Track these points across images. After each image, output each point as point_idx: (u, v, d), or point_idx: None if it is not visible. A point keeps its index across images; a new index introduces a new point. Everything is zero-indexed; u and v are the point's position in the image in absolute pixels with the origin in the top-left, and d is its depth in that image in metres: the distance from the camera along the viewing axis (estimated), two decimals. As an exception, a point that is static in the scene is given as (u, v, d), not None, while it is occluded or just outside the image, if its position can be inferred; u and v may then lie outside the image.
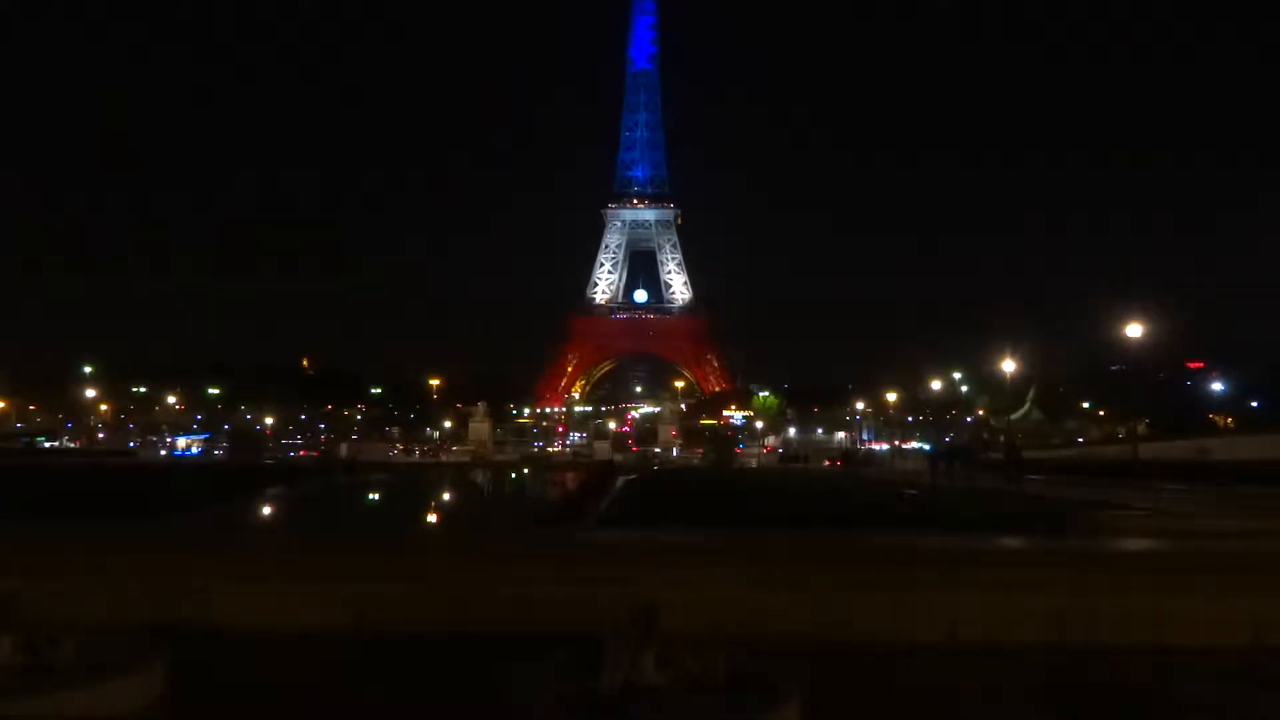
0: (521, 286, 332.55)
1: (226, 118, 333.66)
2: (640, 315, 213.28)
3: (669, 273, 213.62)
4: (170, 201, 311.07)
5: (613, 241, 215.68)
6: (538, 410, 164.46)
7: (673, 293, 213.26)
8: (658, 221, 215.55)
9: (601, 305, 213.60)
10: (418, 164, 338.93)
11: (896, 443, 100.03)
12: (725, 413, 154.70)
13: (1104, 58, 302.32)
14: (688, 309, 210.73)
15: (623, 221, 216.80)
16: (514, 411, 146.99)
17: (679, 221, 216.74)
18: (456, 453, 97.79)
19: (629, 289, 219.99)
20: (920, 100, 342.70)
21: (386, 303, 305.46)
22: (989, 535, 12.59)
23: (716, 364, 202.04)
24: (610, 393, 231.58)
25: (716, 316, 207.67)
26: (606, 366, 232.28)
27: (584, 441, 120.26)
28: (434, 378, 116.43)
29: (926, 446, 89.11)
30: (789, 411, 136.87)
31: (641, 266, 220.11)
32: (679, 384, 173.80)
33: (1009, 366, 59.71)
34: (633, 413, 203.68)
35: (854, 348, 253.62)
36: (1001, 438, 70.43)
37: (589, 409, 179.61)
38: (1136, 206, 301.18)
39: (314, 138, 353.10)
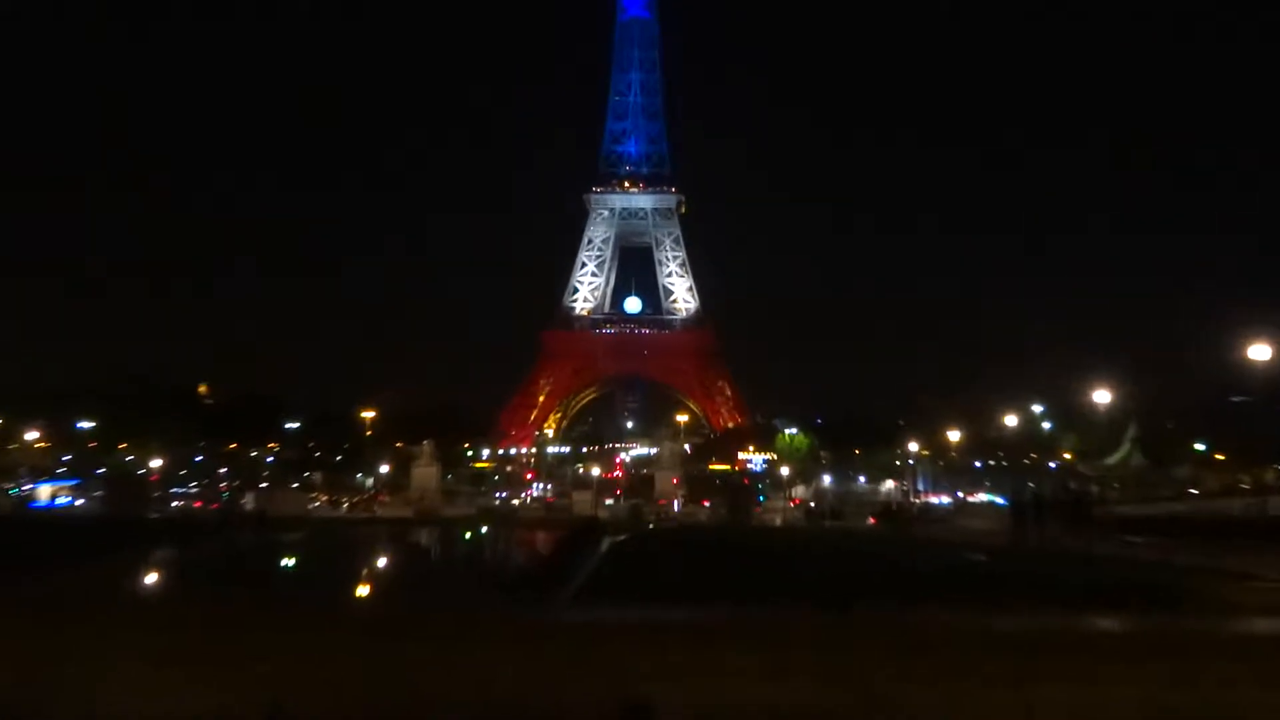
0: (482, 294, 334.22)
1: (149, 112, 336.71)
2: (633, 330, 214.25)
3: (669, 276, 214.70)
4: (105, 202, 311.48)
5: (598, 235, 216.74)
6: (500, 451, 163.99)
7: (674, 301, 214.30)
8: (655, 210, 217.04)
9: (583, 317, 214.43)
10: (355, 150, 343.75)
11: (961, 494, 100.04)
12: (741, 455, 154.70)
13: (1232, 36, 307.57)
14: (693, 322, 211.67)
15: (610, 210, 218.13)
16: (469, 453, 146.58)
17: (682, 210, 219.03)
18: (395, 505, 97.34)
19: (618, 296, 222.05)
20: (990, 73, 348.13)
21: (315, 317, 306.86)
22: (1077, 612, 12.57)
23: (729, 393, 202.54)
24: (594, 429, 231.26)
25: (729, 332, 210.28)
26: (589, 395, 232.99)
27: (560, 492, 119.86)
28: (366, 409, 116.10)
29: (999, 499, 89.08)
30: (823, 454, 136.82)
31: (634, 268, 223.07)
32: (681, 418, 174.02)
33: (1102, 398, 60.01)
34: (622, 455, 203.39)
35: (904, 373, 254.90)
36: (1071, 484, 70.62)
37: (566, 450, 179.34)
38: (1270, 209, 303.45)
39: (243, 126, 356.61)
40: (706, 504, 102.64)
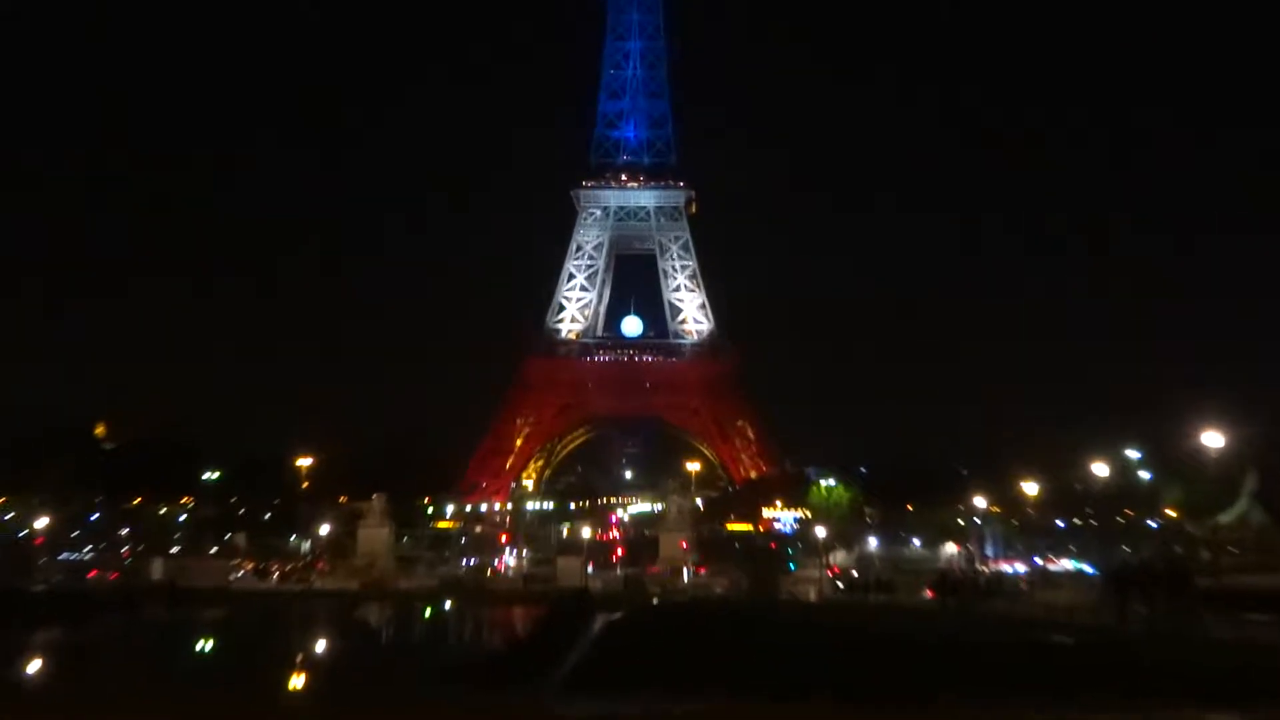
0: (447, 314, 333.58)
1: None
2: (632, 357, 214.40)
3: (677, 290, 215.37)
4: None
5: (588, 240, 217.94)
6: (468, 508, 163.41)
7: (683, 321, 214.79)
8: (659, 209, 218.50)
9: (570, 341, 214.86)
10: (301, 139, 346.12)
11: (1040, 561, 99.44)
12: (767, 513, 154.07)
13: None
14: (707, 347, 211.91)
15: (604, 209, 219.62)
16: (430, 510, 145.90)
17: (692, 210, 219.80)
18: (338, 576, 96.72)
19: (614, 315, 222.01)
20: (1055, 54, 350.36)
21: (241, 342, 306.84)
22: (1184, 708, 12.43)
23: (752, 435, 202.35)
24: (584, 480, 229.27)
25: (752, 360, 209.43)
26: (578, 438, 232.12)
27: (542, 559, 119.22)
28: (302, 455, 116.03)
29: (1087, 567, 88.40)
30: (868, 511, 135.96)
31: (634, 280, 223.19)
32: (693, 467, 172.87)
33: (1214, 442, 59.69)
34: (620, 512, 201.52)
35: (967, 411, 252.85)
36: (1176, 548, 70.07)
37: (549, 506, 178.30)
38: None
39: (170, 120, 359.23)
40: (726, 575, 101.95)
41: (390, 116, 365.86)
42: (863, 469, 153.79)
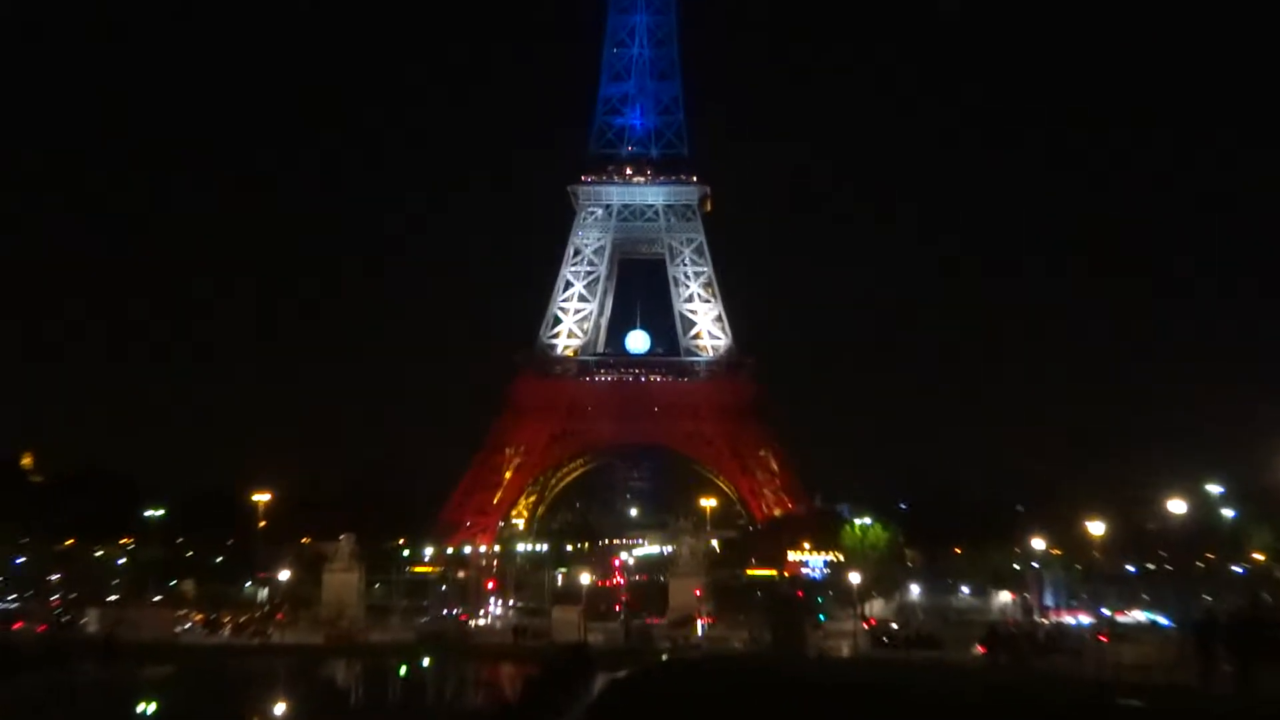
0: (427, 329, 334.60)
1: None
2: (638, 376, 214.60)
3: (689, 300, 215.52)
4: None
5: (588, 243, 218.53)
6: (450, 550, 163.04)
7: (696, 337, 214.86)
8: (669, 208, 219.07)
9: (567, 359, 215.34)
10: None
11: (1108, 612, 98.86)
12: (793, 556, 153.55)
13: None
14: (724, 366, 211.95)
15: (606, 208, 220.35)
16: (406, 553, 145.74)
17: (708, 209, 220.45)
18: (301, 628, 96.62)
19: (617, 330, 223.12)
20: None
21: (206, 360, 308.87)
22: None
23: (776, 467, 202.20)
24: (582, 518, 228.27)
25: (777, 380, 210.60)
26: (575, 470, 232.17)
27: (534, 608, 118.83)
28: (259, 491, 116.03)
29: (1162, 619, 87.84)
30: (908, 554, 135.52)
31: (640, 289, 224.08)
32: (708, 503, 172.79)
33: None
34: (623, 555, 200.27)
35: (1022, 438, 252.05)
36: (1264, 595, 69.56)
37: (543, 548, 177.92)
38: None
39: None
40: (718, 621, 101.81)
41: (369, 116, 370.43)
42: (902, 505, 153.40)
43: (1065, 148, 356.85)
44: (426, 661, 63.26)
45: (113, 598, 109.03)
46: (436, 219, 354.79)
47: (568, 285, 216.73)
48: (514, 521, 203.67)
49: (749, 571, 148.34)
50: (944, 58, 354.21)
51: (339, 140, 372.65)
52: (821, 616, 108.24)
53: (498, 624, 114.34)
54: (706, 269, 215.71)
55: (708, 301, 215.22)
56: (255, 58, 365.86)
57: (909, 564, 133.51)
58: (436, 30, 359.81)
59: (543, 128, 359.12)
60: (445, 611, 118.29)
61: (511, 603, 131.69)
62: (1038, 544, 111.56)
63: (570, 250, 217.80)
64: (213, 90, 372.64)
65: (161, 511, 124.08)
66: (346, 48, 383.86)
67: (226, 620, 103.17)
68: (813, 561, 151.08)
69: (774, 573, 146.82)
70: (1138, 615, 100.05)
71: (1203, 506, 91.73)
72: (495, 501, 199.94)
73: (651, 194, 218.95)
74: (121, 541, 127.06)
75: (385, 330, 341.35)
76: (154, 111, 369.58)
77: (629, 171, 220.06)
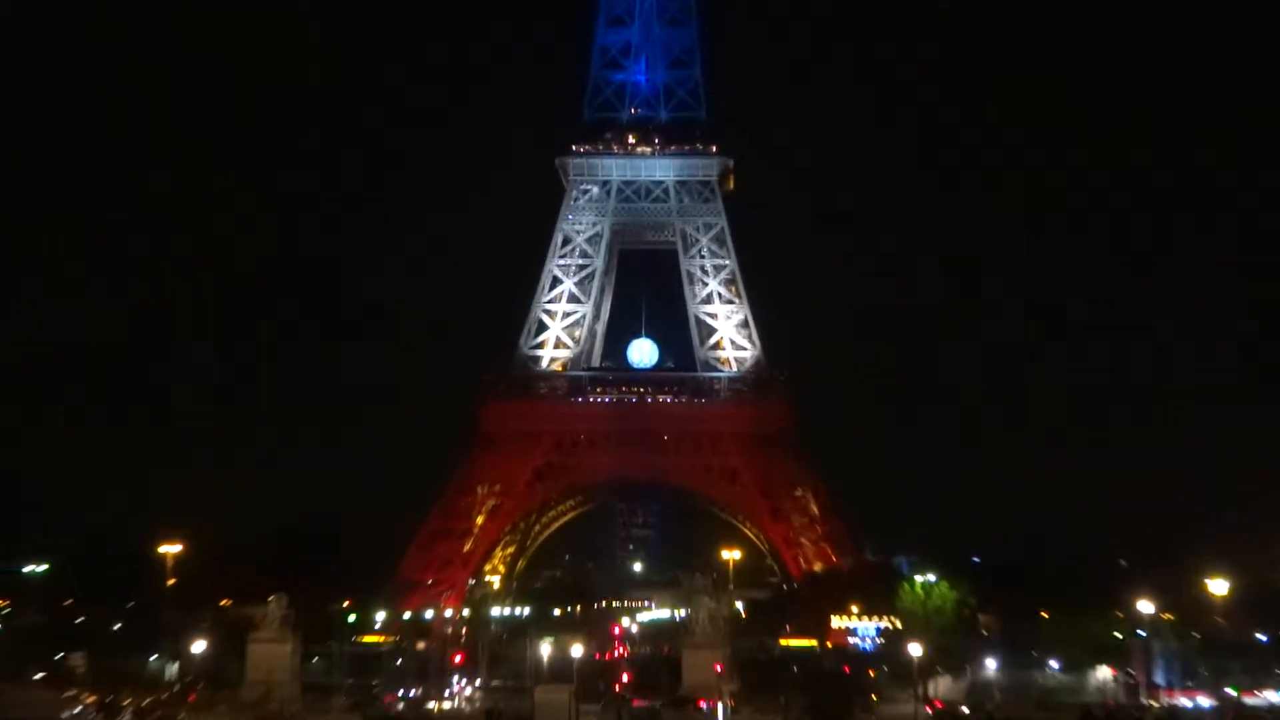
0: (377, 335, 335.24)
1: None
2: (644, 397, 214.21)
3: (708, 301, 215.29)
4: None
5: (580, 230, 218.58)
6: (406, 615, 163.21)
7: (716, 346, 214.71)
8: (683, 185, 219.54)
9: (553, 375, 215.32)
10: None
11: (1234, 691, 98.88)
12: (837, 622, 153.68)
13: None
14: (752, 384, 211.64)
15: (603, 185, 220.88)
16: (353, 618, 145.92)
17: (730, 187, 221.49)
18: (221, 712, 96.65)
19: (617, 337, 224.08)
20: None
21: (108, 388, 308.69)
22: None
23: (816, 510, 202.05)
24: (573, 574, 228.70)
25: (819, 402, 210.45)
26: (565, 514, 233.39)
27: (512, 687, 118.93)
28: (168, 541, 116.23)
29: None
30: (982, 620, 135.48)
31: (646, 288, 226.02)
32: (730, 555, 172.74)
33: None
34: (625, 621, 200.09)
35: (1124, 479, 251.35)
36: None
37: (525, 612, 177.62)
38: None
39: None
40: (741, 703, 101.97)
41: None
42: (974, 560, 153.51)
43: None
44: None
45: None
46: (403, 208, 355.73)
47: (555, 282, 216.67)
48: (488, 579, 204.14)
49: (783, 642, 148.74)
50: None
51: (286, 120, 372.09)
52: (873, 698, 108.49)
53: (466, 707, 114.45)
54: (729, 262, 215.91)
55: (731, 303, 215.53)
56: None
57: (983, 632, 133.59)
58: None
59: (526, 87, 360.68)
60: (401, 692, 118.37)
61: (484, 681, 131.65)
62: (1145, 607, 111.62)
63: (558, 239, 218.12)
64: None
65: (44, 568, 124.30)
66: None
67: (127, 702, 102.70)
68: (862, 629, 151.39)
69: (814, 643, 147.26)
70: (1271, 696, 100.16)
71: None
72: (464, 554, 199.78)
73: (660, 167, 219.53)
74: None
75: (336, 344, 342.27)
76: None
77: (631, 140, 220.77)
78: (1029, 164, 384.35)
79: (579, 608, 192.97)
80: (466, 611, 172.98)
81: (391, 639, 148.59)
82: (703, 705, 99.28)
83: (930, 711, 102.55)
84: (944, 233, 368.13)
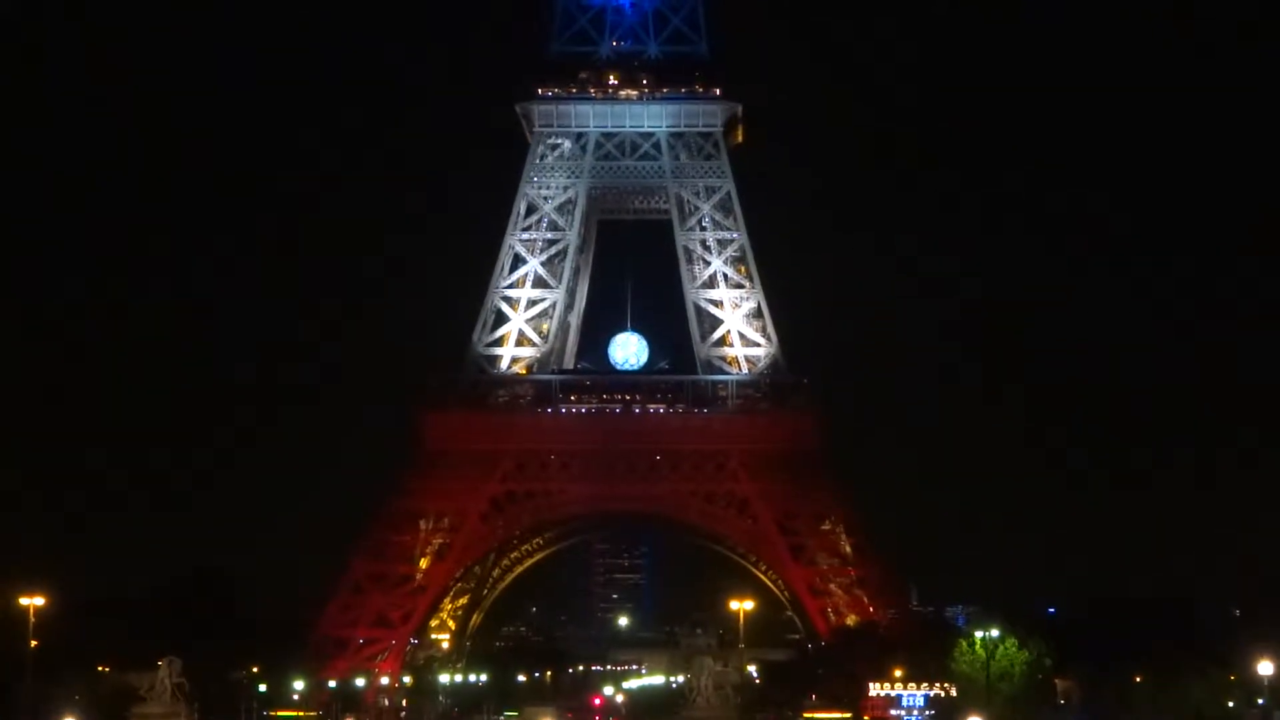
0: (289, 331, 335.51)
1: None
2: (630, 406, 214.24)
3: (710, 285, 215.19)
4: None
5: (548, 195, 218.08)
6: (331, 684, 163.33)
7: (721, 343, 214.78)
8: (678, 138, 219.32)
9: (515, 378, 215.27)
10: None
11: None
12: (875, 689, 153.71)
13: None
14: (767, 389, 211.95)
15: (576, 138, 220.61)
16: (263, 687, 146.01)
17: (739, 140, 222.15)
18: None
19: (596, 332, 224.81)
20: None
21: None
22: None
23: (848, 548, 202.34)
24: (543, 631, 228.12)
25: (849, 413, 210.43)
26: (532, 555, 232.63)
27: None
28: (30, 594, 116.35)
29: None
30: (1061, 686, 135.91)
31: (630, 269, 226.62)
32: (740, 606, 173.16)
33: None
34: (608, 690, 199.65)
35: (1231, 510, 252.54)
36: None
37: (482, 679, 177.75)
38: None
39: None
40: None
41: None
42: (1051, 610, 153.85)
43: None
44: None
45: None
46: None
47: (517, 262, 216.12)
48: (434, 638, 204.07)
49: (807, 715, 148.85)
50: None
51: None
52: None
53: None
54: (738, 235, 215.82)
55: (740, 287, 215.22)
56: None
57: (1060, 701, 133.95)
58: None
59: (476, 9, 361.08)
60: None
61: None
62: (1265, 669, 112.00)
63: (520, 207, 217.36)
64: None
65: None
66: None
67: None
68: (908, 698, 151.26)
69: (847, 716, 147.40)
70: None
71: None
72: (403, 606, 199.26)
73: (650, 115, 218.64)
74: None
75: (246, 340, 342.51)
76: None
77: (613, 80, 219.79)
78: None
79: (549, 673, 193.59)
80: (407, 679, 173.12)
81: (313, 714, 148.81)
82: None
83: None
84: (1031, 196, 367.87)
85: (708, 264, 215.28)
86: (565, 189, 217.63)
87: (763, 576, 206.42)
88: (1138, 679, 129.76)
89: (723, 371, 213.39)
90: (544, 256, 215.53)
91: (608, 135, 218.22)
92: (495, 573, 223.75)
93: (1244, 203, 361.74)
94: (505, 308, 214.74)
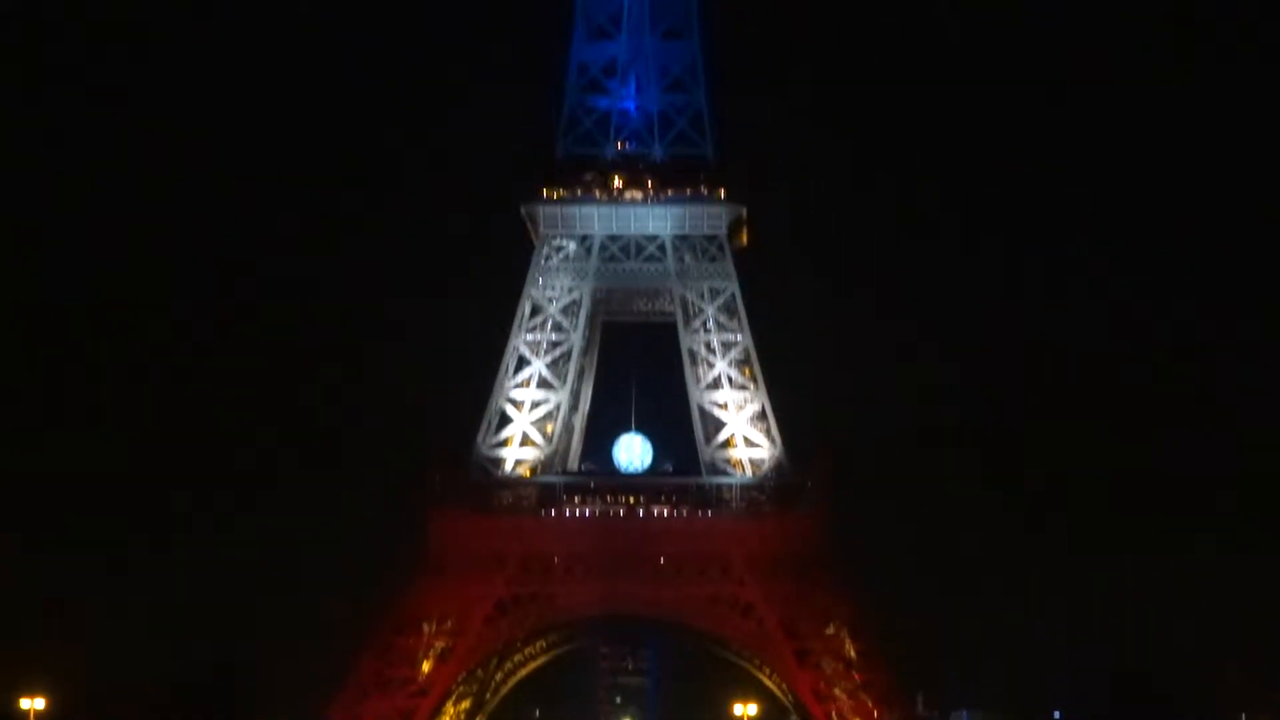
0: (319, 443, 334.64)
1: None
2: (634, 509, 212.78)
3: (715, 387, 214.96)
4: None
5: (552, 297, 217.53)
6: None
7: (727, 445, 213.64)
8: (683, 240, 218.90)
9: (519, 480, 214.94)
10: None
11: None
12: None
13: None
14: (772, 492, 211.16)
15: (582, 241, 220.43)
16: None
17: (744, 242, 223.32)
18: None
19: (600, 434, 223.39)
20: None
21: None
22: None
23: (853, 653, 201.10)
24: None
25: (854, 517, 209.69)
26: (535, 659, 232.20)
27: None
28: (30, 694, 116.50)
29: None
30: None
31: (635, 370, 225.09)
32: (744, 710, 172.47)
33: None
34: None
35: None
36: None
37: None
38: None
39: None
40: None
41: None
42: (1057, 715, 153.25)
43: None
44: None
45: None
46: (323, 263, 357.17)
47: (521, 363, 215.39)
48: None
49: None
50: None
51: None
52: None
53: None
54: (742, 337, 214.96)
55: (744, 389, 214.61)
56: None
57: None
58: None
59: (487, 109, 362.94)
60: None
61: None
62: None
63: (525, 308, 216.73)
64: None
65: None
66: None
67: None
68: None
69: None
70: None
71: None
72: (404, 710, 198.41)
73: (654, 218, 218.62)
74: None
75: (252, 434, 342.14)
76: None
77: (618, 182, 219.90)
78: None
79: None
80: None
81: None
82: None
83: None
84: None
85: (712, 366, 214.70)
86: (570, 291, 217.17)
87: (767, 680, 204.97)
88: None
89: (727, 474, 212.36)
90: (548, 358, 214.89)
91: (613, 237, 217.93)
92: (498, 676, 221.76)
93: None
94: (510, 409, 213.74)
